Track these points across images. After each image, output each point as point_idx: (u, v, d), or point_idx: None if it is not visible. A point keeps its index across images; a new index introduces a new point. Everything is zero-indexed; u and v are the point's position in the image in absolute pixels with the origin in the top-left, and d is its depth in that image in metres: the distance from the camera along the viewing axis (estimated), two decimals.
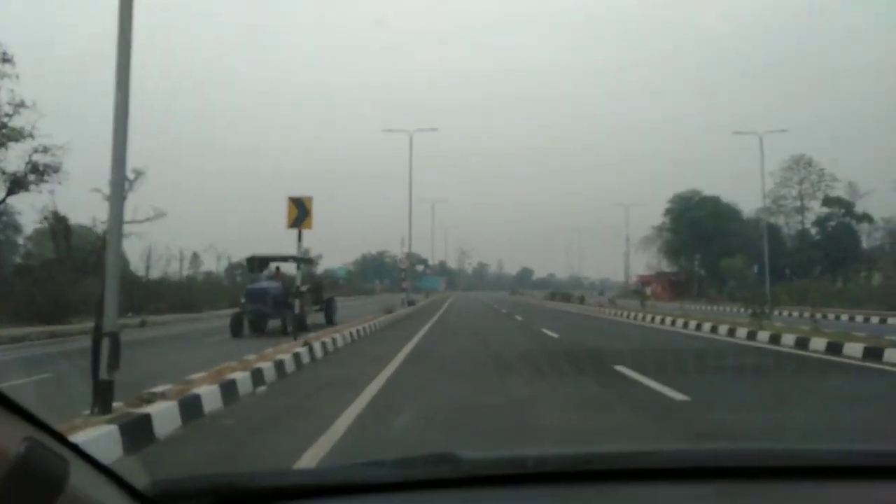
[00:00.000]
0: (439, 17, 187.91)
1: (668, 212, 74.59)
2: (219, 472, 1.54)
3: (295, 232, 11.44)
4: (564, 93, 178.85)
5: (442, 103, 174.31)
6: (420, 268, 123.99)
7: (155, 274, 38.06)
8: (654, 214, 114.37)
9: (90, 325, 6.25)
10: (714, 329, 16.16)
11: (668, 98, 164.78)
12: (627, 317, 24.49)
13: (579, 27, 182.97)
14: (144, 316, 21.71)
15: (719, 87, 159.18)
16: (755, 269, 66.28)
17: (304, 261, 14.00)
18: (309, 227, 11.11)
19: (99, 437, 4.18)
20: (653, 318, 21.72)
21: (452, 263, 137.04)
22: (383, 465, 1.37)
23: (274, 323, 15.93)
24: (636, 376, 7.81)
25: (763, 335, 13.40)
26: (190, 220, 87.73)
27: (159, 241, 42.57)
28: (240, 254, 50.22)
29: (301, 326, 13.74)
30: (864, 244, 68.34)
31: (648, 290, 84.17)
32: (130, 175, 27.37)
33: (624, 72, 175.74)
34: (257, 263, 17.94)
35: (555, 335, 15.73)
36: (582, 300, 42.63)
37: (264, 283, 16.93)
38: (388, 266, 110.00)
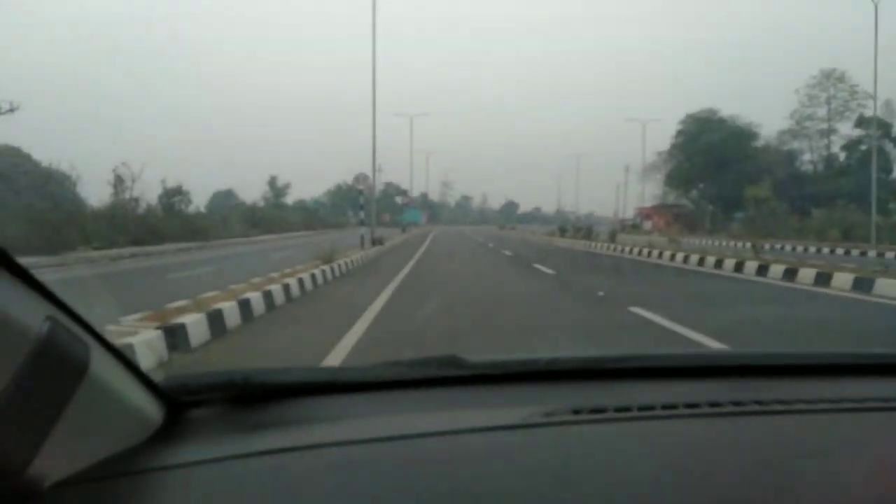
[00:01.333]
0: None
1: (679, 134, 64.41)
2: (236, 368, 1.30)
3: None
4: (553, 13, 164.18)
5: (421, 24, 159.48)
6: (399, 199, 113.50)
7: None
8: (653, 142, 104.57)
9: None
10: None
11: (664, 17, 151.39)
12: (742, 270, 14.22)
13: None
14: None
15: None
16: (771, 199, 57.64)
17: None
18: None
19: None
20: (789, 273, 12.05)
21: (434, 196, 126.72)
22: (397, 365, 1.34)
23: None
24: None
25: None
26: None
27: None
28: (173, 177, 39.37)
29: None
30: None
31: (648, 225, 75.07)
32: None
33: None
34: None
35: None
36: (613, 237, 31.25)
37: None
38: (364, 197, 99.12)
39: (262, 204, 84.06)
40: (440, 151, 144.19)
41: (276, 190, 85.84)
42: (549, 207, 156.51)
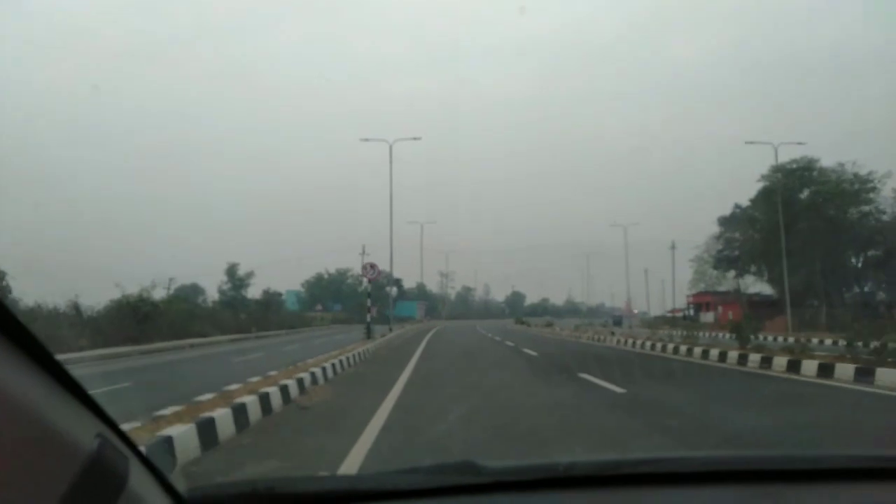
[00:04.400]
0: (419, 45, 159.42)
1: (760, 194, 45.79)
2: (256, 477, 1.40)
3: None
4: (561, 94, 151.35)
5: (423, 113, 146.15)
6: (392, 290, 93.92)
7: None
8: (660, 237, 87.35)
9: None
10: None
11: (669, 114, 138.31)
12: None
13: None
14: None
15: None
16: None
17: None
18: None
19: None
20: None
21: (433, 287, 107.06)
22: (415, 472, 1.31)
23: None
24: None
25: None
26: None
27: None
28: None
29: None
30: None
31: (709, 317, 55.45)
32: None
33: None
34: None
35: None
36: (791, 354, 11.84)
37: None
38: (349, 288, 79.14)
39: (216, 297, 65.84)
40: (438, 237, 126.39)
41: (236, 280, 66.35)
42: (556, 298, 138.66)
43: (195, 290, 70.36)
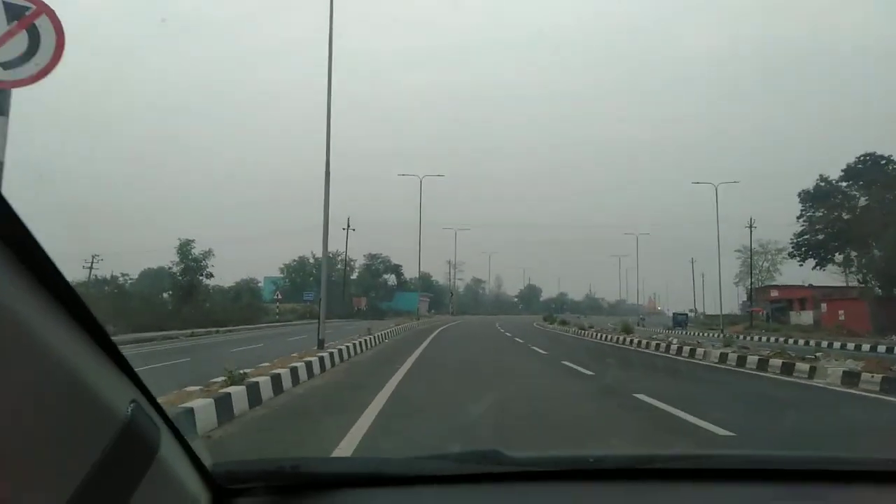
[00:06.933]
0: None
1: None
2: (281, 456, 1.28)
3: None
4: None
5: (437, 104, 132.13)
6: (390, 278, 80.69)
7: None
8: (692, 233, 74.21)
9: None
10: None
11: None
12: None
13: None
14: None
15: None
16: None
17: None
18: None
19: None
20: None
21: (440, 278, 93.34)
22: (442, 458, 1.31)
23: None
24: None
25: None
26: None
27: None
28: None
29: None
30: None
31: (807, 317, 41.41)
32: None
33: None
34: None
35: None
36: None
37: None
38: (338, 274, 65.12)
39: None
40: (445, 222, 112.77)
41: (190, 259, 52.34)
42: (574, 293, 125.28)
43: (161, 274, 57.57)
